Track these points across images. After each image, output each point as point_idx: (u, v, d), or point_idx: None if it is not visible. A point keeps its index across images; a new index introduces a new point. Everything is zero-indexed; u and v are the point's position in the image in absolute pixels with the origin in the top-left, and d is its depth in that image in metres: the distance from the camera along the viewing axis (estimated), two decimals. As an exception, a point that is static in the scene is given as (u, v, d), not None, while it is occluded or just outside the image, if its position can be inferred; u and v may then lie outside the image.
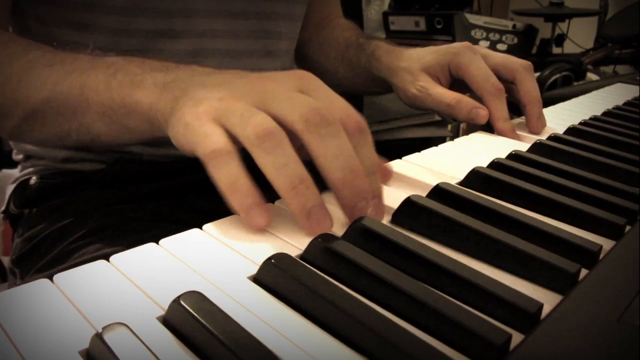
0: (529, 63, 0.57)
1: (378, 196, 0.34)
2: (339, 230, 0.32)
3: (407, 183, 0.40)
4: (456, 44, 0.60)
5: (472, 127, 0.54)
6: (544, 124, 0.56)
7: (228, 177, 0.31)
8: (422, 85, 0.59)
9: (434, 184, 0.38)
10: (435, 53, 0.61)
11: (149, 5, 0.53)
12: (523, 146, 0.49)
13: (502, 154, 0.45)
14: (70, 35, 0.53)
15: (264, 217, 0.31)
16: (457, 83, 0.60)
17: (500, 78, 0.56)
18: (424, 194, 0.37)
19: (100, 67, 0.42)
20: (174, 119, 0.35)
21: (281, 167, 0.30)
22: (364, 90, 0.75)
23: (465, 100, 0.56)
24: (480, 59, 0.57)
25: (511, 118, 0.56)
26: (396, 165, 0.43)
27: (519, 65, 0.56)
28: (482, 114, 0.54)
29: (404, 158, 0.45)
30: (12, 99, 0.44)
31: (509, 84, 0.57)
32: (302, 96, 0.33)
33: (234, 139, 0.32)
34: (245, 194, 0.31)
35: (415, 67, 0.61)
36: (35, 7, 0.53)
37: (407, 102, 0.63)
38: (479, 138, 0.53)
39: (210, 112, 0.33)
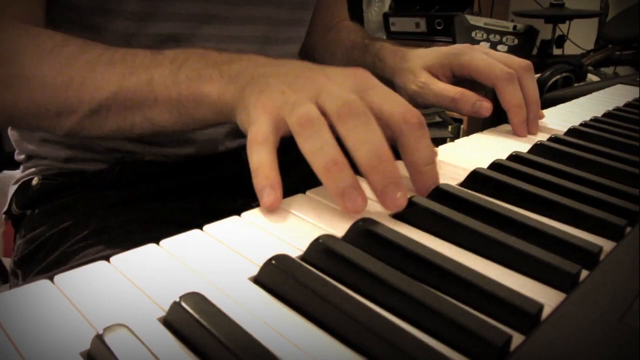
0: (529, 63, 0.57)
1: (436, 182, 0.37)
2: (339, 231, 0.32)
3: (408, 184, 0.40)
4: (457, 45, 0.60)
5: (473, 128, 0.54)
6: (537, 126, 0.56)
7: (255, 160, 0.35)
8: (423, 81, 0.60)
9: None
10: (436, 53, 0.61)
11: (162, 10, 0.53)
12: (524, 147, 0.49)
13: (503, 155, 0.45)
14: (80, 36, 0.53)
15: (272, 197, 0.34)
16: (460, 83, 0.60)
17: None
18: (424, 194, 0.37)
19: (164, 63, 0.44)
20: (240, 107, 0.39)
21: (317, 150, 0.33)
22: None
23: (468, 93, 0.56)
24: (481, 52, 0.58)
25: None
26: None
27: (518, 65, 0.56)
28: (485, 106, 0.55)
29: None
30: (76, 98, 0.45)
31: None
32: (346, 92, 0.36)
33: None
34: (265, 175, 0.34)
35: (417, 66, 0.62)
36: (47, 9, 0.53)
37: (409, 100, 0.63)
38: (479, 139, 0.53)
39: (269, 104, 0.37)
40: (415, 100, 0.62)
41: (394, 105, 0.37)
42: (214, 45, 0.58)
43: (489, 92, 0.58)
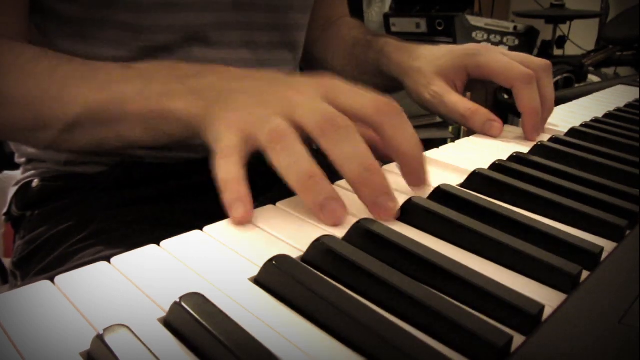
0: (549, 63, 0.55)
1: (425, 171, 0.37)
2: (340, 232, 0.32)
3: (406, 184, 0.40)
4: (472, 45, 0.58)
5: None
6: (541, 131, 0.55)
7: (222, 173, 0.34)
8: (436, 91, 0.58)
9: (435, 185, 0.38)
10: (450, 55, 0.59)
11: (152, 23, 0.53)
12: (524, 148, 0.49)
13: (503, 156, 0.45)
14: (73, 46, 0.53)
15: (241, 210, 0.33)
16: (471, 82, 0.59)
17: None
18: (425, 195, 0.37)
19: (133, 77, 0.43)
20: (208, 123, 0.38)
21: (291, 165, 0.33)
22: (372, 87, 0.75)
23: (480, 111, 0.54)
24: (498, 53, 0.56)
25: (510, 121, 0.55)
26: (397, 166, 0.43)
27: (537, 66, 0.54)
28: (496, 127, 0.53)
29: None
30: (50, 114, 0.45)
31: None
32: (321, 104, 0.35)
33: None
34: (233, 189, 0.33)
35: (429, 70, 0.59)
36: (35, 18, 0.53)
37: (419, 105, 0.62)
38: (479, 140, 0.53)
39: (236, 121, 0.36)
40: (426, 107, 0.60)
41: (365, 101, 0.36)
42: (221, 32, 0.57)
43: (490, 93, 0.57)
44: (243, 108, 0.37)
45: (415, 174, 0.37)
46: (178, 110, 0.41)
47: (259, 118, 0.35)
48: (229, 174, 0.34)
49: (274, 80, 0.39)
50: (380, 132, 0.36)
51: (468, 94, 0.57)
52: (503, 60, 0.55)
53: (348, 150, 0.33)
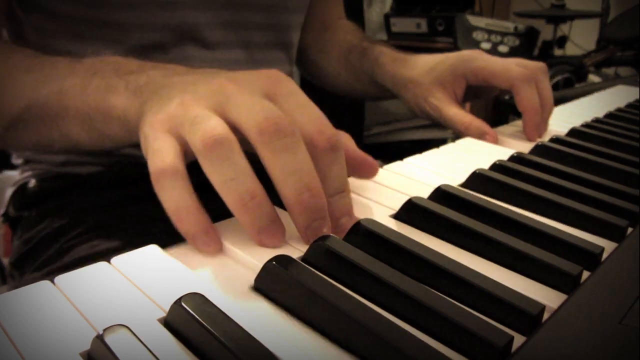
0: (544, 65, 0.55)
1: (348, 214, 0.32)
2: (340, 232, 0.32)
3: (409, 184, 0.40)
4: (466, 51, 0.58)
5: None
6: (542, 132, 0.55)
7: (171, 201, 0.29)
8: (435, 104, 0.58)
9: (436, 185, 0.38)
10: (445, 63, 0.58)
11: (146, 21, 0.53)
12: (525, 148, 0.49)
13: (504, 156, 0.45)
14: (67, 45, 0.53)
15: (209, 246, 0.29)
16: (474, 89, 0.59)
17: None
18: (425, 195, 0.37)
19: (78, 72, 0.40)
20: (140, 125, 0.33)
21: (229, 180, 0.28)
22: (366, 95, 0.74)
23: (474, 124, 0.54)
24: (495, 57, 0.56)
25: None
26: (397, 166, 0.43)
27: (534, 67, 0.54)
28: (488, 140, 0.53)
29: (405, 159, 0.45)
30: None
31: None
32: (263, 102, 0.30)
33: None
34: (190, 221, 0.29)
35: (427, 81, 0.58)
36: (30, 17, 0.53)
37: (422, 117, 0.61)
38: (480, 140, 0.53)
39: (166, 121, 0.31)
40: (427, 118, 0.60)
41: (308, 120, 0.31)
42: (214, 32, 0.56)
43: (490, 99, 0.57)
44: (175, 105, 0.31)
45: (332, 217, 0.32)
46: (115, 108, 0.37)
47: (190, 117, 0.30)
48: (179, 200, 0.29)
49: (214, 74, 0.35)
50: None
51: (467, 104, 0.57)
52: (500, 62, 0.55)
53: (291, 164, 0.29)
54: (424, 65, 0.60)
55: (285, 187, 0.29)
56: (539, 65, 0.55)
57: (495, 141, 0.53)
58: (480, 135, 0.54)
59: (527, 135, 0.54)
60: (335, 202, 0.32)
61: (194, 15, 0.55)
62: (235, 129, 0.30)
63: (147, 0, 0.52)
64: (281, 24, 0.62)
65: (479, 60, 0.56)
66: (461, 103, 0.58)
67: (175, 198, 0.29)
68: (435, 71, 0.58)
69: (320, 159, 0.30)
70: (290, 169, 0.29)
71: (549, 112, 0.55)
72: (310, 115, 0.31)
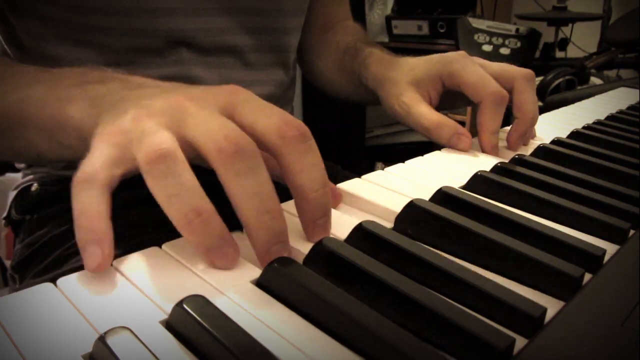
0: (530, 72, 0.51)
1: (326, 215, 0.31)
2: (342, 233, 0.32)
3: (409, 186, 0.40)
4: (450, 53, 0.54)
5: (475, 130, 0.53)
6: (527, 141, 0.52)
7: (77, 204, 0.28)
8: (405, 102, 0.53)
9: (437, 187, 0.38)
10: (426, 63, 0.54)
11: (135, 27, 0.52)
12: (526, 150, 0.49)
13: (506, 158, 0.45)
14: (59, 49, 0.53)
15: (95, 258, 0.27)
16: (452, 95, 0.54)
17: None
18: (427, 197, 0.37)
19: (43, 80, 0.40)
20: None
21: (172, 197, 0.27)
22: (358, 98, 0.69)
23: (447, 124, 0.50)
24: (475, 64, 0.51)
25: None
26: (399, 168, 0.43)
27: (519, 74, 0.50)
28: (463, 141, 0.49)
29: (407, 162, 0.45)
30: None
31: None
32: (221, 119, 0.29)
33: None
34: (88, 226, 0.28)
35: (403, 80, 0.55)
36: (22, 21, 0.53)
37: (393, 117, 0.57)
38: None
39: (114, 134, 0.30)
40: (398, 120, 0.56)
41: (268, 118, 0.30)
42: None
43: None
44: (127, 118, 0.30)
45: (310, 219, 0.31)
46: (71, 118, 0.36)
47: (137, 130, 0.29)
48: (85, 204, 0.28)
49: (172, 89, 0.33)
50: (279, 160, 0.30)
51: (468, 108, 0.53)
52: (478, 72, 0.50)
53: (251, 187, 0.27)
54: (406, 66, 0.56)
55: (245, 209, 0.28)
56: (524, 72, 0.50)
57: (469, 144, 0.49)
58: (453, 137, 0.49)
59: (484, 150, 0.49)
60: (314, 200, 0.30)
61: (186, 22, 0.54)
62: (191, 149, 0.28)
63: (135, 7, 0.51)
64: (276, 28, 0.61)
65: (457, 64, 0.51)
66: (435, 107, 0.54)
67: (82, 202, 0.28)
68: (413, 71, 0.55)
69: (291, 149, 0.29)
70: (250, 192, 0.27)
71: (532, 123, 0.50)
72: (272, 112, 0.30)
